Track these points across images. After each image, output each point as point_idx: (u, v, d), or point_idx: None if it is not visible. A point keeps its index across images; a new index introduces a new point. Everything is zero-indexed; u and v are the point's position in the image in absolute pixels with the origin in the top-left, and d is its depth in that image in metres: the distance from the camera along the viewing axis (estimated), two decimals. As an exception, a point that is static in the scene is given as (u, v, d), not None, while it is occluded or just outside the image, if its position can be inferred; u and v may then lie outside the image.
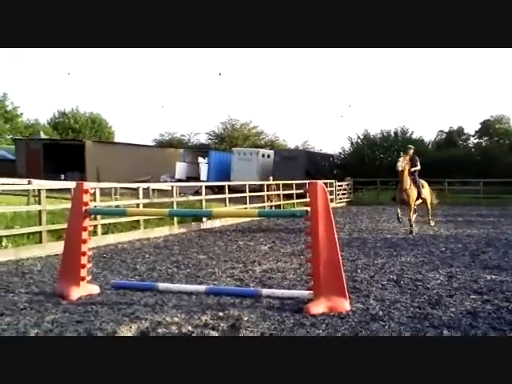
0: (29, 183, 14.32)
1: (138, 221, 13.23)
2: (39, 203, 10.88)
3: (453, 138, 45.86)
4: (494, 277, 7.85)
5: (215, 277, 7.99)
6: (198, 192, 22.73)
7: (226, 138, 56.38)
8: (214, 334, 5.01)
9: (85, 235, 6.82)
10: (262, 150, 39.52)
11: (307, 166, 34.77)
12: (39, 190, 11.10)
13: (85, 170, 37.96)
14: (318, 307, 5.81)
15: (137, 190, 14.07)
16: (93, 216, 10.21)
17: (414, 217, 14.23)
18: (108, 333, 5.02)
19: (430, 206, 15.56)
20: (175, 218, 14.46)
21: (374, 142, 39.72)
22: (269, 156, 37.84)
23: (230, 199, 18.22)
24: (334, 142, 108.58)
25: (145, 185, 16.22)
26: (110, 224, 12.49)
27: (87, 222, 6.95)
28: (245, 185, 20.41)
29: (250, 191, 19.93)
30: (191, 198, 17.94)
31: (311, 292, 6.02)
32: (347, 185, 30.99)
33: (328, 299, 5.86)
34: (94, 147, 40.59)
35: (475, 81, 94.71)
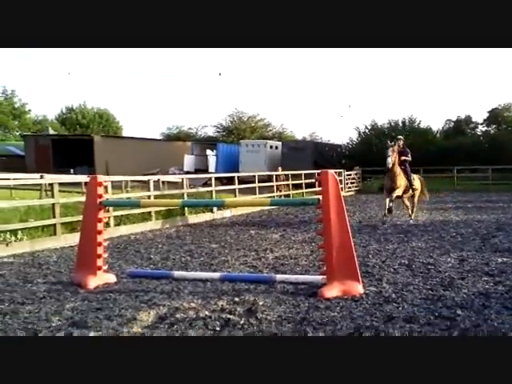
0: (41, 177, 14.45)
1: (149, 212, 13.37)
2: (52, 196, 11.04)
3: (461, 126, 45.67)
4: (505, 259, 7.91)
5: (228, 264, 8.09)
6: (206, 184, 22.90)
7: (233, 131, 56.38)
8: (232, 317, 5.12)
9: (100, 226, 6.96)
10: (269, 142, 39.49)
11: (315, 156, 34.78)
12: (52, 184, 11.27)
13: (94, 164, 38.12)
14: (332, 291, 5.90)
15: (147, 182, 14.20)
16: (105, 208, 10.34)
17: (391, 203, 13.09)
18: (128, 318, 5.14)
19: (415, 201, 14.14)
20: (186, 209, 14.57)
21: (381, 132, 39.56)
22: (277, 147, 37.85)
23: (240, 190, 18.32)
24: (341, 133, 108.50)
25: (155, 177, 16.35)
26: (122, 216, 12.64)
27: (102, 214, 7.09)
28: (254, 176, 20.50)
29: (258, 182, 20.03)
30: (201, 189, 18.06)
31: (324, 277, 6.10)
32: (356, 174, 31.03)
33: (341, 283, 5.95)
34: (102, 142, 40.77)
35: (482, 70, 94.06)
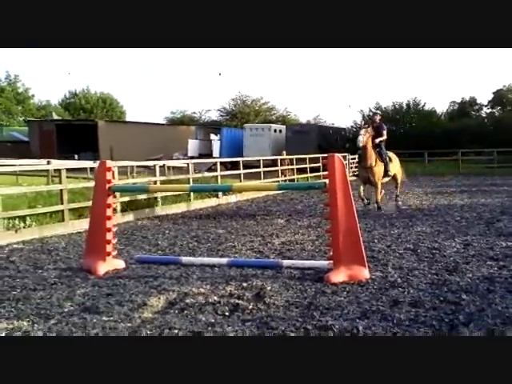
0: (48, 163, 14.55)
1: (155, 198, 13.44)
2: (60, 182, 11.10)
3: (465, 108, 45.56)
4: (509, 244, 7.96)
5: (235, 250, 8.18)
6: (211, 168, 22.97)
7: (237, 115, 56.34)
8: (241, 302, 5.22)
9: (109, 212, 7.04)
10: (273, 126, 39.49)
11: (319, 140, 34.78)
12: (59, 170, 11.34)
13: (98, 149, 38.19)
14: (338, 276, 5.98)
15: (153, 168, 14.26)
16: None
17: (381, 196, 12.93)
18: (138, 304, 5.24)
19: (399, 182, 13.85)
20: (191, 194, 14.64)
21: (385, 115, 39.45)
22: (281, 131, 37.83)
23: (245, 175, 18.38)
24: (345, 117, 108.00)
25: (161, 162, 16.41)
26: (128, 202, 12.70)
27: (111, 200, 7.17)
28: (258, 160, 20.56)
29: (263, 166, 20.07)
30: (206, 174, 18.13)
31: (331, 262, 6.18)
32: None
33: (348, 268, 6.02)
34: (106, 127, 40.82)
35: (486, 51, 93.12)
